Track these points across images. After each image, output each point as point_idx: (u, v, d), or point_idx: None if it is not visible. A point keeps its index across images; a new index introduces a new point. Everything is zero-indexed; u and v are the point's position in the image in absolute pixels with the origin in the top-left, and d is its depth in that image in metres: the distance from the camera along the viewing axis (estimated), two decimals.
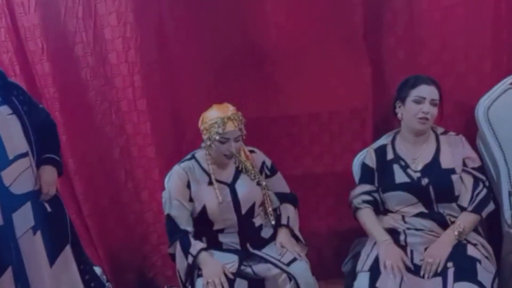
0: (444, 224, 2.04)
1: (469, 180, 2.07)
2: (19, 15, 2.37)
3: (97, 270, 2.37)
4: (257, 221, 2.17)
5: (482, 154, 2.27)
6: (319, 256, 2.62)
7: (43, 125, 2.03)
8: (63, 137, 2.41)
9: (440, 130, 2.17)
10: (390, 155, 2.15)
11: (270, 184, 2.22)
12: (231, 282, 1.97)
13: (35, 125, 1.95)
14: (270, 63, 2.45)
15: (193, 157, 2.17)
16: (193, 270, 2.04)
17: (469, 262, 1.89)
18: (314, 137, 2.57)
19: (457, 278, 1.83)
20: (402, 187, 2.08)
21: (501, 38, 2.31)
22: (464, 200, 2.05)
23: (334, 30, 2.39)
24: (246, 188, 2.13)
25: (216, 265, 2.00)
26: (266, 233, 2.18)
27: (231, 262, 2.04)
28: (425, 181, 2.05)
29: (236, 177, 2.15)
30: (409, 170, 2.09)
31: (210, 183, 2.10)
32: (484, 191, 2.06)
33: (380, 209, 2.19)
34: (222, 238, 2.13)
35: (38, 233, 1.89)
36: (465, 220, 2.01)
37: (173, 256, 2.13)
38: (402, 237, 2.06)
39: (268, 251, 2.10)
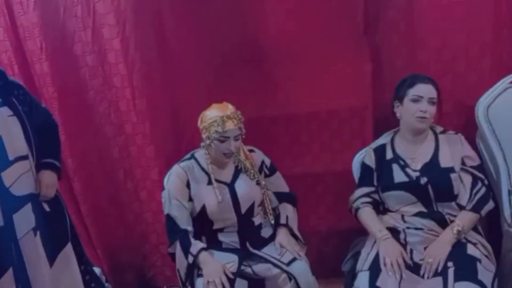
0: (443, 223, 2.04)
1: (467, 179, 2.07)
2: (18, 14, 2.37)
3: (96, 270, 2.37)
4: (257, 220, 2.17)
5: (481, 153, 2.26)
6: (319, 255, 2.61)
7: (43, 125, 2.03)
8: (62, 136, 2.40)
9: (439, 129, 2.17)
10: (389, 155, 2.16)
11: (269, 184, 2.21)
12: (231, 282, 1.97)
13: (35, 125, 1.95)
14: (270, 61, 2.44)
15: (193, 156, 2.17)
16: (193, 270, 2.04)
17: (469, 262, 1.89)
18: (313, 136, 2.57)
19: (457, 278, 1.83)
20: (401, 186, 2.08)
21: (501, 36, 2.31)
22: (463, 199, 2.05)
23: (334, 29, 2.38)
24: (245, 188, 2.12)
25: (216, 265, 2.00)
26: (266, 232, 2.18)
27: (231, 262, 2.03)
28: (424, 180, 2.05)
29: (235, 177, 2.15)
30: (408, 170, 2.09)
31: (210, 182, 2.10)
32: (483, 189, 2.06)
33: (379, 209, 2.19)
34: (221, 237, 2.13)
35: (39, 233, 1.89)
36: (464, 219, 2.01)
37: (173, 256, 2.12)
38: (402, 236, 2.06)
39: (268, 251, 2.10)
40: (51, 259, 1.95)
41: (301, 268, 2.03)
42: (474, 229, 2.07)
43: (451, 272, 1.86)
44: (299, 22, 2.39)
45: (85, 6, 2.38)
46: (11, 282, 1.76)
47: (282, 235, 2.13)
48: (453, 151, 2.09)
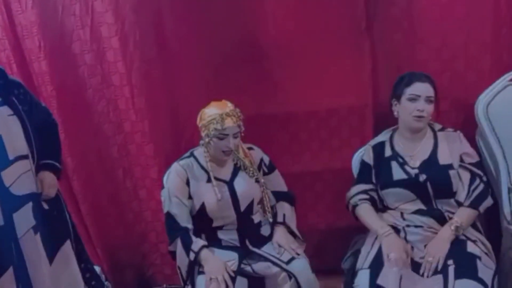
0: (442, 220, 2.04)
1: (466, 176, 2.07)
2: (16, 12, 2.37)
3: (96, 269, 2.36)
4: (256, 218, 2.17)
5: (481, 150, 2.26)
6: (318, 253, 2.61)
7: (44, 124, 2.02)
8: (61, 135, 2.38)
9: (437, 126, 2.17)
10: (388, 152, 2.16)
11: (267, 182, 2.22)
12: (232, 280, 1.97)
13: (36, 124, 1.94)
14: (270, 60, 2.44)
15: (192, 154, 2.16)
16: (194, 267, 2.04)
17: (469, 259, 1.89)
18: (312, 134, 2.57)
19: (457, 275, 1.84)
20: (400, 183, 2.09)
21: (500, 34, 2.31)
22: (461, 196, 2.06)
23: (334, 27, 2.38)
24: (244, 185, 2.12)
25: (218, 262, 2.00)
26: (265, 230, 2.18)
27: (231, 260, 2.03)
28: (423, 177, 2.05)
29: (234, 174, 2.15)
30: (406, 167, 2.09)
31: (209, 180, 2.10)
32: (481, 186, 2.06)
33: (378, 206, 2.19)
34: (221, 235, 2.13)
35: (39, 232, 1.88)
36: (462, 215, 2.01)
37: (173, 254, 2.12)
38: (402, 235, 2.06)
39: (267, 249, 2.10)
40: (51, 257, 1.94)
41: (301, 266, 2.03)
42: (474, 226, 2.08)
43: (451, 270, 1.86)
44: (298, 21, 2.39)
45: (84, 5, 2.37)
46: (12, 281, 1.76)
47: (280, 234, 2.13)
48: (451, 149, 2.10)
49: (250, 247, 2.11)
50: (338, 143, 2.56)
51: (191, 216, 2.11)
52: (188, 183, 2.10)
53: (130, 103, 2.47)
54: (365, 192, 2.17)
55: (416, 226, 2.05)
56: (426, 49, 2.36)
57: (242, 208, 2.11)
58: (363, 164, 2.22)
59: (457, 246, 1.95)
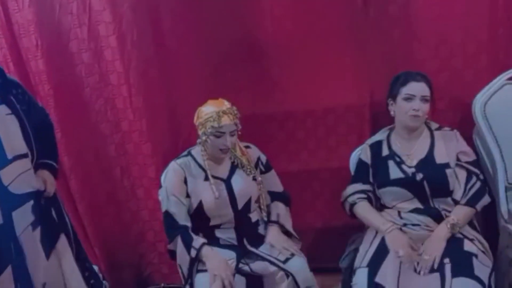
0: (439, 219, 2.04)
1: (462, 174, 2.08)
2: (13, 11, 2.36)
3: (94, 268, 2.36)
4: (254, 217, 2.17)
5: (478, 149, 2.27)
6: (315, 252, 2.61)
7: (41, 125, 2.03)
8: (58, 134, 2.40)
9: (434, 125, 2.18)
10: (385, 151, 2.16)
11: (263, 181, 2.21)
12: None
13: (34, 124, 1.94)
14: (267, 59, 2.45)
15: (189, 153, 2.17)
16: (195, 264, 2.03)
17: (466, 257, 1.90)
18: (309, 133, 2.58)
19: (454, 274, 1.84)
20: (397, 182, 2.09)
21: (497, 33, 2.31)
22: (458, 194, 2.06)
23: (331, 25, 2.38)
24: (242, 183, 2.13)
25: (220, 259, 2.00)
26: (263, 229, 2.18)
27: (230, 259, 2.03)
28: (419, 176, 2.06)
29: (232, 172, 2.15)
30: (403, 166, 2.10)
31: (206, 178, 2.10)
32: (478, 184, 2.06)
33: (375, 205, 2.19)
34: (218, 233, 2.13)
35: (39, 228, 1.89)
36: (459, 213, 2.02)
37: (171, 253, 2.12)
38: None
39: (265, 249, 2.10)
40: (48, 251, 1.95)
41: (298, 265, 2.04)
42: (471, 225, 2.08)
43: (448, 268, 1.87)
44: (296, 20, 2.39)
45: (81, 3, 2.37)
46: (10, 280, 1.76)
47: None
48: (448, 147, 2.10)
49: (248, 246, 2.11)
50: (335, 141, 2.56)
51: (188, 215, 2.11)
52: (185, 181, 2.10)
53: (128, 102, 2.47)
54: (362, 191, 2.17)
55: (413, 225, 2.06)
56: (423, 48, 2.37)
57: (240, 206, 2.12)
58: (361, 162, 2.22)
59: (454, 244, 1.96)
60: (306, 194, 2.64)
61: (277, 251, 2.07)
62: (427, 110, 2.06)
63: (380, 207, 2.19)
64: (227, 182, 2.13)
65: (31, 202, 1.87)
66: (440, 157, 2.08)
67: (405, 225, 2.07)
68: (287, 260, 2.04)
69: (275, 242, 2.09)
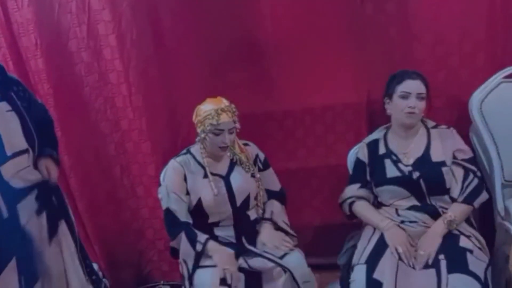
0: (436, 216, 2.05)
1: (459, 172, 2.09)
2: (13, 10, 2.37)
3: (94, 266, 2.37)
4: (252, 214, 2.18)
5: (475, 147, 2.29)
6: (313, 249, 2.62)
7: (42, 121, 2.04)
8: (58, 133, 2.39)
9: (431, 123, 2.19)
10: (382, 150, 2.17)
11: (261, 179, 2.22)
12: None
13: (35, 120, 1.95)
14: (266, 57, 2.46)
15: (188, 151, 2.18)
16: (201, 258, 2.04)
17: (460, 253, 1.91)
18: (308, 131, 2.59)
19: (450, 270, 1.86)
20: (394, 181, 2.10)
21: (495, 32, 2.33)
22: (455, 192, 2.07)
23: (330, 25, 2.40)
24: (240, 180, 2.14)
25: (228, 253, 2.02)
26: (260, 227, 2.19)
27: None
28: (416, 174, 2.07)
29: (230, 169, 2.16)
30: (400, 165, 2.11)
31: (205, 176, 2.11)
32: (475, 181, 2.07)
33: (372, 203, 2.20)
34: (217, 231, 2.14)
35: (43, 214, 1.92)
36: (456, 211, 2.03)
37: (173, 251, 2.13)
38: None
39: (262, 246, 2.11)
40: (50, 238, 1.98)
41: (296, 261, 2.05)
42: (468, 222, 2.09)
43: (443, 265, 1.88)
44: (295, 19, 2.40)
45: (80, 2, 2.37)
46: (14, 271, 1.77)
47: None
48: (445, 145, 2.11)
49: (246, 244, 2.12)
50: (333, 139, 2.58)
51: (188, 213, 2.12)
52: (185, 179, 2.11)
53: (128, 101, 2.47)
54: (360, 197, 2.19)
55: (410, 222, 2.07)
56: (421, 46, 2.38)
57: (238, 202, 2.13)
58: (358, 161, 2.24)
59: (450, 241, 1.97)
60: (305, 191, 2.66)
61: (269, 249, 2.08)
62: (423, 108, 2.07)
63: (377, 204, 2.20)
64: (226, 179, 2.14)
65: (35, 191, 1.89)
66: (436, 155, 2.09)
67: (402, 222, 2.08)
68: (284, 255, 2.05)
69: (267, 240, 2.10)
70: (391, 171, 2.11)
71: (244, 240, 2.13)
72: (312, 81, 2.47)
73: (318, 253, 2.59)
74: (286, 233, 2.17)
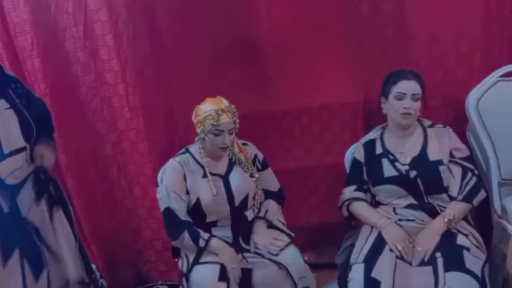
0: (434, 214, 2.06)
1: (457, 170, 2.09)
2: (9, 10, 2.35)
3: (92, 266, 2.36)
4: (250, 215, 2.18)
5: (472, 145, 2.30)
6: (311, 248, 2.64)
7: (41, 116, 2.04)
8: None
9: (427, 123, 2.19)
10: (379, 149, 2.18)
11: (260, 179, 2.22)
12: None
13: (34, 117, 1.96)
14: (263, 57, 2.46)
15: (187, 151, 2.17)
16: (203, 254, 2.04)
17: (457, 251, 1.92)
18: (305, 130, 2.59)
19: (447, 268, 1.86)
20: (391, 180, 2.11)
21: (491, 31, 2.34)
22: (454, 190, 2.08)
23: (326, 23, 2.40)
24: (239, 180, 2.14)
25: (232, 251, 2.04)
26: None
27: None
28: (413, 173, 2.08)
29: (229, 169, 2.16)
30: (397, 164, 2.11)
31: (205, 175, 2.11)
32: (474, 179, 2.08)
33: (370, 202, 2.21)
34: (214, 231, 2.13)
35: (42, 200, 1.94)
36: (455, 209, 2.04)
37: (174, 250, 2.12)
38: None
39: (254, 246, 2.11)
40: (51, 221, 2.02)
41: (291, 257, 2.05)
42: (465, 220, 2.10)
43: (440, 262, 1.89)
44: (292, 18, 2.41)
45: (77, 2, 2.36)
46: (17, 262, 1.79)
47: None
48: (441, 144, 2.12)
49: (244, 245, 2.12)
50: (330, 138, 2.58)
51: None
52: (185, 178, 2.11)
53: (125, 101, 2.46)
54: (358, 198, 2.19)
55: (408, 220, 2.08)
56: (417, 45, 2.39)
57: (237, 202, 2.13)
58: (355, 161, 2.24)
59: (447, 239, 1.97)
60: (302, 190, 2.66)
61: (260, 248, 2.08)
62: (418, 108, 2.08)
63: (375, 204, 2.20)
64: (225, 178, 2.14)
65: (31, 179, 1.91)
66: (433, 154, 2.10)
67: (400, 220, 2.09)
68: (280, 251, 2.05)
69: (258, 239, 2.10)
70: (388, 171, 2.12)
71: (241, 240, 2.13)
72: (309, 80, 2.47)
73: (316, 252, 2.60)
74: (281, 231, 2.17)
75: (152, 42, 2.42)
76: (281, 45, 2.44)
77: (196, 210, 2.11)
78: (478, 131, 2.24)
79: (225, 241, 2.11)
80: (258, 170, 2.23)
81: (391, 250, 1.96)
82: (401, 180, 2.09)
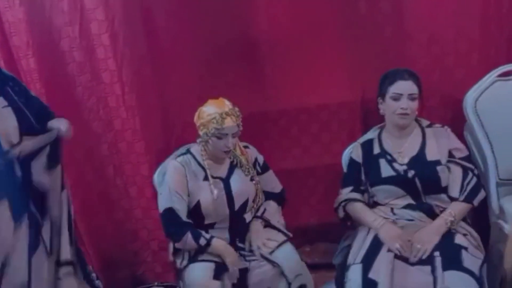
0: (432, 214, 2.06)
1: (458, 171, 2.09)
2: (4, 9, 2.33)
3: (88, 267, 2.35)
4: (248, 217, 2.17)
5: (470, 145, 2.30)
6: (309, 248, 2.63)
7: (41, 111, 2.06)
8: None
9: (425, 123, 2.19)
10: (376, 150, 2.17)
11: (261, 181, 2.21)
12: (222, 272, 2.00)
13: (35, 112, 1.98)
14: (261, 56, 2.46)
15: (189, 151, 2.15)
16: (203, 253, 2.04)
17: (455, 250, 1.92)
18: (303, 130, 2.59)
19: (445, 267, 1.86)
20: (389, 180, 2.11)
21: (489, 31, 2.35)
22: (454, 191, 2.07)
23: (324, 23, 2.40)
24: (240, 183, 2.12)
25: (235, 253, 2.03)
26: None
27: None
28: (411, 173, 2.07)
29: (231, 172, 2.14)
30: (395, 164, 2.11)
31: (206, 178, 2.09)
32: (474, 179, 2.08)
33: (367, 202, 2.21)
34: (212, 233, 2.11)
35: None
36: (456, 209, 2.03)
37: (175, 251, 2.11)
38: None
39: (248, 245, 2.11)
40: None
41: (285, 255, 2.05)
42: (463, 219, 2.09)
43: (438, 262, 1.89)
44: (290, 17, 2.41)
45: (72, 1, 2.34)
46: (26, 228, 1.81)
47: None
48: (440, 144, 2.12)
49: (240, 245, 2.11)
50: (328, 138, 2.59)
51: None
52: (187, 179, 2.09)
53: (121, 101, 2.45)
54: (353, 199, 2.18)
55: (406, 220, 2.07)
56: (415, 45, 2.40)
57: (237, 206, 2.11)
58: (352, 161, 2.23)
59: (445, 238, 1.97)
60: (300, 190, 2.66)
61: (269, 242, 2.08)
62: (415, 108, 2.07)
63: (373, 204, 2.20)
64: (226, 181, 2.12)
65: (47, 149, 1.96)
66: (431, 154, 2.10)
67: (398, 219, 2.08)
68: (273, 251, 2.05)
69: (253, 240, 2.09)
70: (386, 171, 2.11)
71: (238, 242, 2.12)
72: (307, 80, 2.48)
73: (313, 252, 2.60)
74: (278, 231, 2.16)
75: (148, 41, 2.41)
76: (279, 45, 2.44)
77: (194, 212, 2.10)
78: (476, 130, 2.24)
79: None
80: (258, 173, 2.21)
81: (388, 250, 1.95)
82: (399, 180, 2.09)
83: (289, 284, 2.02)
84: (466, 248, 1.93)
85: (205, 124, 2.02)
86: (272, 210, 2.20)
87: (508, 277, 2.02)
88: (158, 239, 2.59)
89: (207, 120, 2.01)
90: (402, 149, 2.13)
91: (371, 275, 1.90)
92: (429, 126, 2.18)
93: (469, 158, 2.14)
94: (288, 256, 2.05)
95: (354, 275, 1.94)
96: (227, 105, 2.03)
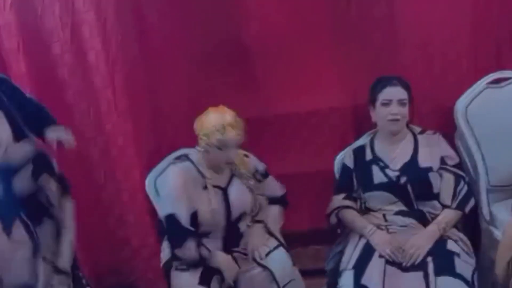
0: (424, 221, 2.07)
1: (449, 178, 2.10)
2: None
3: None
4: (242, 226, 2.14)
5: (460, 152, 2.31)
6: (301, 254, 2.62)
7: (38, 113, 2.05)
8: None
9: (417, 129, 2.20)
10: (368, 156, 2.18)
11: (261, 188, 2.20)
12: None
13: (28, 115, 1.96)
14: (252, 61, 2.47)
15: (188, 158, 2.12)
16: (205, 263, 2.02)
17: (448, 256, 1.93)
18: (294, 135, 2.59)
19: (437, 273, 1.87)
20: (381, 187, 2.11)
21: (479, 39, 2.36)
22: (447, 198, 2.08)
23: (315, 28, 2.41)
24: (238, 194, 2.10)
25: (236, 267, 2.02)
26: None
27: None
28: (403, 179, 2.08)
29: (230, 181, 2.12)
30: (387, 170, 2.12)
31: (205, 187, 2.06)
32: (466, 187, 2.10)
33: (360, 208, 2.21)
34: (206, 242, 2.08)
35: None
36: (448, 216, 2.05)
37: (173, 257, 2.09)
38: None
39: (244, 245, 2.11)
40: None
41: (277, 262, 2.04)
42: (455, 226, 2.10)
43: (430, 267, 1.90)
44: (281, 21, 2.41)
45: (64, 4, 2.33)
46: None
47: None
48: (432, 151, 2.13)
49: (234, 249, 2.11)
50: (320, 143, 2.58)
51: None
52: (188, 187, 2.05)
53: (112, 105, 2.43)
54: (345, 206, 2.19)
55: (398, 226, 2.08)
56: (406, 52, 2.40)
57: (234, 217, 2.09)
58: (344, 168, 2.24)
59: (437, 244, 1.98)
60: (292, 196, 2.63)
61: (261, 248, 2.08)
62: (406, 113, 2.08)
63: (365, 210, 2.20)
64: (225, 190, 2.09)
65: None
66: (423, 161, 2.11)
67: (390, 225, 2.09)
68: (267, 254, 2.05)
69: (249, 244, 2.09)
70: (378, 177, 2.12)
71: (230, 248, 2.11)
72: (298, 85, 2.48)
73: (305, 258, 2.59)
74: (275, 238, 2.15)
75: (140, 45, 2.41)
76: (271, 50, 2.44)
77: (191, 219, 2.05)
78: (467, 137, 2.25)
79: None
80: (259, 181, 2.20)
81: (380, 256, 1.96)
82: (391, 186, 2.09)
83: None
84: (458, 254, 1.94)
85: (207, 134, 1.98)
86: (273, 214, 2.19)
87: (499, 282, 2.02)
88: (149, 246, 2.57)
89: (210, 131, 1.97)
90: (394, 155, 2.13)
91: (364, 281, 1.90)
92: (421, 132, 2.19)
93: (460, 165, 2.15)
94: (280, 261, 2.05)
95: (346, 281, 1.94)
96: (229, 114, 1.99)
